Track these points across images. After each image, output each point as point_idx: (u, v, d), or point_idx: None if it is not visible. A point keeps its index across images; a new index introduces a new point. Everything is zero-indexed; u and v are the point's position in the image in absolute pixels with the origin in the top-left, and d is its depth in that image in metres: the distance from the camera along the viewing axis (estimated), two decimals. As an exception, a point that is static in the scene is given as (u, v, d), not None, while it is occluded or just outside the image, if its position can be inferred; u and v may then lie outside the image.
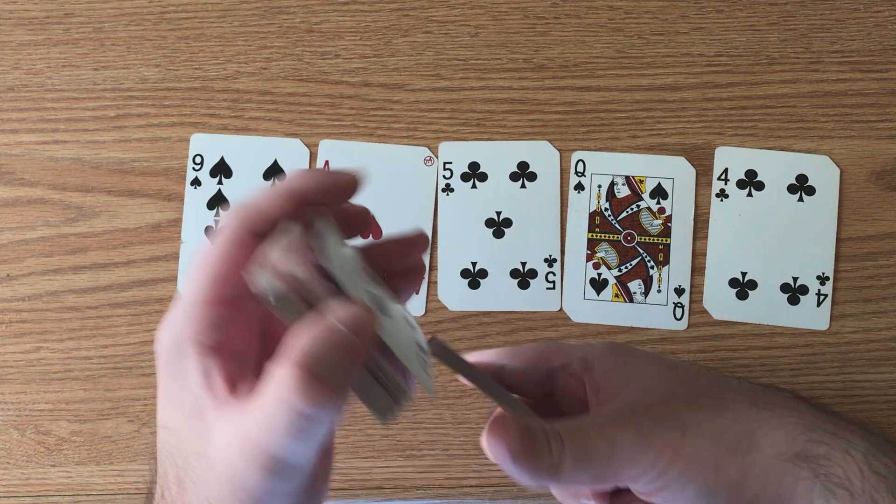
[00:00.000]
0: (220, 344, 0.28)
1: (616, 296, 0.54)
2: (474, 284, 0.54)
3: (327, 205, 0.30)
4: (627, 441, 0.32)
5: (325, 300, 0.27)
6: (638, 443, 0.32)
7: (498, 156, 0.54)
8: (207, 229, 0.54)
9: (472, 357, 0.38)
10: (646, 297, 0.53)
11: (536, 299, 0.53)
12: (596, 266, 0.54)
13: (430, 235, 0.54)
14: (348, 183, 0.30)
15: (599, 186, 0.54)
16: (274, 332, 0.30)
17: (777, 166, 0.54)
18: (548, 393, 0.38)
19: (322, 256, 0.28)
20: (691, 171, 0.54)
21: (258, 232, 0.29)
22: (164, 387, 0.30)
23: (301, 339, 0.26)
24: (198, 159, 0.55)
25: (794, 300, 0.53)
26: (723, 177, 0.54)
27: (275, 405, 0.26)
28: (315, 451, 0.27)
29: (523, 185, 0.54)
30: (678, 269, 0.53)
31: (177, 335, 0.29)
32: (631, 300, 0.53)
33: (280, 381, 0.26)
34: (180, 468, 0.29)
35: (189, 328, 0.28)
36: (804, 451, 0.33)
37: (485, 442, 0.31)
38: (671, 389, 0.34)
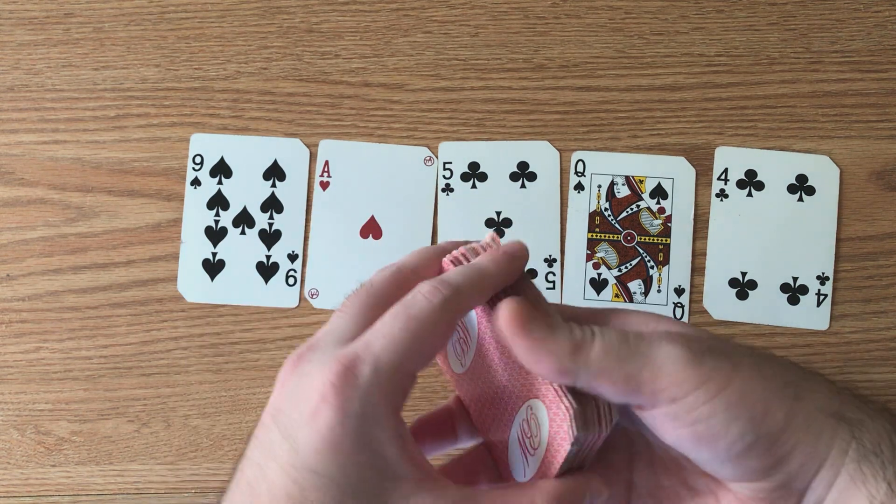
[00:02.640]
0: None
1: (616, 296, 0.54)
2: (474, 284, 0.54)
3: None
4: (674, 353, 0.30)
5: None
6: (685, 357, 0.30)
7: (498, 156, 0.54)
8: (206, 228, 0.54)
9: None
10: (646, 297, 0.53)
11: (536, 299, 0.53)
12: (596, 266, 0.54)
13: (430, 235, 0.54)
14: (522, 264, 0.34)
15: (599, 186, 0.54)
16: None
17: (777, 166, 0.54)
18: None
19: None
20: (691, 171, 0.54)
21: (463, 313, 0.31)
22: (334, 441, 0.28)
23: (567, 481, 0.31)
24: (198, 159, 0.55)
25: (793, 300, 0.53)
26: (723, 177, 0.54)
27: None
28: None
29: (523, 185, 0.54)
30: (678, 269, 0.53)
31: (372, 400, 0.28)
32: (631, 300, 0.53)
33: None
34: None
35: (388, 396, 0.29)
36: (840, 411, 0.31)
37: (500, 317, 0.30)
38: (716, 339, 0.33)
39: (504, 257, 0.33)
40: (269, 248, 0.54)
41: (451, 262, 0.34)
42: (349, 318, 0.31)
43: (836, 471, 0.31)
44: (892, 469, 0.31)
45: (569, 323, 0.31)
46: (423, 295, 0.30)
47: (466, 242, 0.35)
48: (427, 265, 0.34)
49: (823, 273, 0.53)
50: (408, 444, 0.29)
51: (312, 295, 0.54)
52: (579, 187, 0.54)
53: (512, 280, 0.33)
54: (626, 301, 0.53)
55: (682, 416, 0.30)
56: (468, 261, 0.34)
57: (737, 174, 0.54)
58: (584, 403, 0.31)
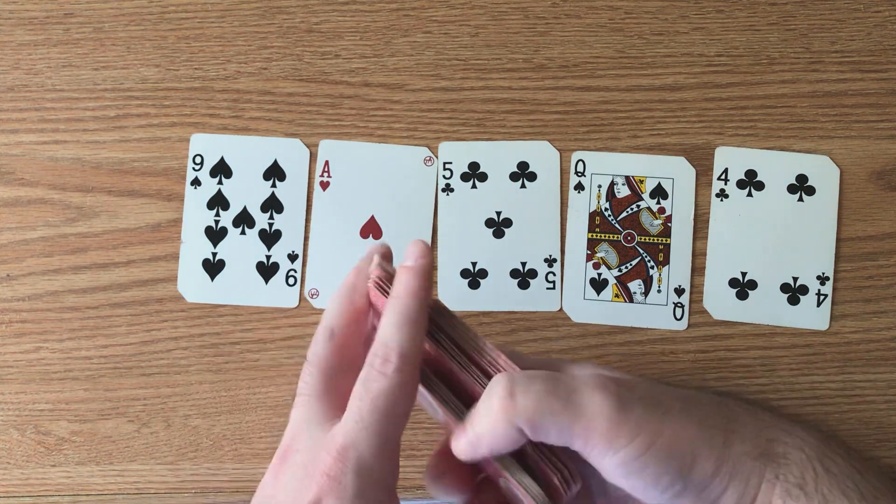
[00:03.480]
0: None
1: (616, 296, 0.54)
2: (474, 284, 0.54)
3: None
4: (605, 405, 0.31)
5: None
6: (616, 410, 0.31)
7: (498, 156, 0.54)
8: (206, 228, 0.54)
9: None
10: (646, 297, 0.53)
11: (536, 299, 0.53)
12: (596, 266, 0.54)
13: (430, 235, 0.54)
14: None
15: (599, 186, 0.54)
16: None
17: (777, 166, 0.54)
18: None
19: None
20: (691, 171, 0.54)
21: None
22: None
23: None
24: (198, 159, 0.55)
25: (794, 300, 0.53)
26: (723, 177, 0.54)
27: None
28: None
29: (523, 185, 0.54)
30: (678, 269, 0.53)
31: (366, 486, 0.31)
32: (631, 300, 0.53)
33: None
34: None
35: (379, 478, 0.31)
36: (767, 450, 0.33)
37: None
38: (647, 384, 0.35)
39: (416, 278, 0.34)
40: (269, 248, 0.54)
41: (376, 285, 0.36)
42: (314, 404, 0.34)
43: None
44: (817, 499, 0.33)
45: (487, 389, 0.33)
46: (377, 371, 0.32)
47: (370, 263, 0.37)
48: (351, 314, 0.36)
49: (823, 273, 0.53)
50: None
51: (312, 295, 0.54)
52: (579, 187, 0.54)
53: (429, 289, 0.35)
54: (626, 301, 0.53)
55: (616, 468, 0.32)
56: (390, 283, 0.35)
57: (737, 174, 0.54)
58: (546, 475, 0.33)
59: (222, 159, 0.55)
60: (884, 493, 0.34)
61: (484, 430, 0.32)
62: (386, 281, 0.36)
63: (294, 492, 0.31)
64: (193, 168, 0.55)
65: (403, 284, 0.34)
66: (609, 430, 0.31)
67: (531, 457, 0.33)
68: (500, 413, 0.31)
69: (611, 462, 0.32)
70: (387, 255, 0.38)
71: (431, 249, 0.36)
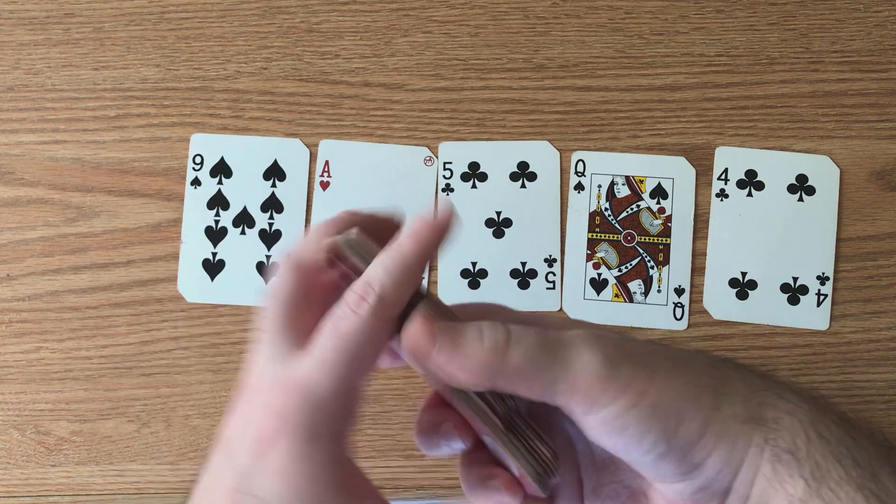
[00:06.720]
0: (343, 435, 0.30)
1: (616, 296, 0.54)
2: (474, 284, 0.54)
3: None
4: (593, 362, 0.30)
5: None
6: (603, 367, 0.30)
7: (498, 156, 0.54)
8: (206, 228, 0.54)
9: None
10: (646, 297, 0.53)
11: (536, 299, 0.53)
12: (596, 266, 0.54)
13: (430, 235, 0.54)
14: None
15: (599, 186, 0.54)
16: None
17: (777, 166, 0.54)
18: None
19: None
20: (691, 171, 0.54)
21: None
22: (276, 468, 0.28)
23: None
24: (198, 159, 0.55)
25: (794, 300, 0.53)
26: (723, 177, 0.54)
27: None
28: None
29: (523, 185, 0.54)
30: (678, 269, 0.53)
31: (314, 428, 0.28)
32: (631, 300, 0.53)
33: None
34: None
35: (330, 422, 0.29)
36: (756, 414, 0.32)
37: (414, 332, 0.30)
38: (639, 343, 0.33)
39: (427, 227, 0.32)
40: (269, 249, 0.54)
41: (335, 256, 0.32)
42: (276, 339, 0.31)
43: (754, 471, 0.31)
44: (809, 465, 0.31)
45: (478, 324, 0.31)
46: (350, 309, 0.30)
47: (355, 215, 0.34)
48: (318, 245, 0.33)
49: (823, 273, 0.53)
50: (345, 469, 0.29)
51: (312, 295, 0.54)
52: (579, 187, 0.54)
53: (436, 245, 0.32)
54: (626, 301, 0.53)
55: (599, 427, 0.31)
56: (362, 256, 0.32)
57: (737, 174, 0.54)
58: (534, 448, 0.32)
59: (222, 159, 0.55)
60: (878, 459, 0.33)
61: (465, 363, 0.29)
62: (357, 249, 0.32)
63: (247, 431, 0.29)
64: (193, 168, 0.55)
65: (411, 229, 0.32)
66: (594, 387, 0.30)
67: (517, 424, 0.32)
68: (490, 360, 0.30)
69: (594, 420, 0.30)
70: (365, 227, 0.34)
71: (456, 215, 0.33)
